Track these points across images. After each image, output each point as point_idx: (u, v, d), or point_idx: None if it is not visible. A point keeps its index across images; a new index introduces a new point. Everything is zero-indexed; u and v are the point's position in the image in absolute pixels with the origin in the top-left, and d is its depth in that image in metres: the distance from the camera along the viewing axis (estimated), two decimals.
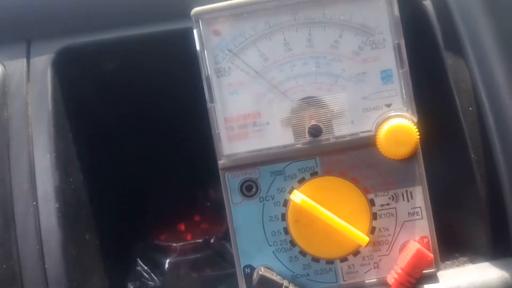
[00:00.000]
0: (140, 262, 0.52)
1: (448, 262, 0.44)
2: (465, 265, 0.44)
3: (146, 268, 0.51)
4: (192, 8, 0.41)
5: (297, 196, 0.41)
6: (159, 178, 0.61)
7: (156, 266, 0.51)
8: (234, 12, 0.41)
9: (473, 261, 0.44)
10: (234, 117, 0.42)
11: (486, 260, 0.43)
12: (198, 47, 0.41)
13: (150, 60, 0.50)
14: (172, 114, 0.55)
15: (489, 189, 0.43)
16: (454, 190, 0.46)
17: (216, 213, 0.54)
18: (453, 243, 0.45)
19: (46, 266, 0.43)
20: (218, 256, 0.51)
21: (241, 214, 0.42)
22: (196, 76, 0.42)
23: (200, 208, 0.58)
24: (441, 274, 0.42)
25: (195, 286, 0.50)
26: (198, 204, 0.59)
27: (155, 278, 0.51)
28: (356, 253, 0.42)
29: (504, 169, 0.43)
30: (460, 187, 0.45)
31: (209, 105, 0.42)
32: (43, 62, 0.46)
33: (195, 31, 0.41)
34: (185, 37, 0.42)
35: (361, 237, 0.40)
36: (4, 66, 0.46)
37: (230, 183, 0.42)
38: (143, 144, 0.57)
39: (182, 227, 0.55)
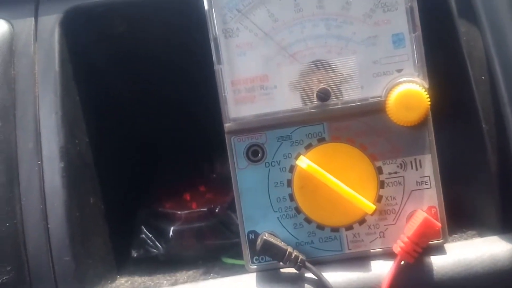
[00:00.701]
0: (145, 230, 0.51)
1: (456, 235, 0.43)
2: (473, 238, 0.43)
3: (150, 235, 0.51)
4: None
5: (303, 162, 0.40)
6: (166, 148, 0.60)
7: (160, 234, 0.51)
8: None
9: (481, 234, 0.43)
10: (241, 79, 0.41)
11: (494, 234, 0.42)
12: (206, 6, 0.40)
13: (158, 25, 0.49)
14: (181, 83, 0.55)
15: (500, 161, 0.42)
16: (464, 161, 0.45)
17: (222, 185, 0.53)
18: (461, 216, 0.44)
19: (49, 226, 0.42)
20: (223, 225, 0.50)
21: (246, 179, 0.42)
22: (203, 42, 0.41)
23: (206, 179, 0.58)
24: (448, 246, 0.41)
25: (199, 254, 0.50)
26: (204, 175, 0.58)
27: (159, 245, 0.50)
28: (362, 221, 0.41)
29: None
30: (470, 158, 0.44)
31: (216, 66, 0.41)
32: (51, 22, 0.45)
33: None
34: (193, 1, 0.42)
35: (368, 205, 0.40)
36: (12, 25, 0.46)
37: (236, 148, 0.41)
38: (151, 112, 0.57)
39: (187, 196, 0.54)
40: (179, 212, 0.51)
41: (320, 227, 0.41)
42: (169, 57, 0.53)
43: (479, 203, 0.44)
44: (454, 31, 0.45)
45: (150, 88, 0.55)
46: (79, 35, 0.47)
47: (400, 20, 0.40)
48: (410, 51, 0.40)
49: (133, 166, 0.56)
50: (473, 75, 0.43)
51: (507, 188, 0.42)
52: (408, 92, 0.39)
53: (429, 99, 0.39)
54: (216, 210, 0.51)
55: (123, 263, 0.49)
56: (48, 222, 0.42)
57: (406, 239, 0.39)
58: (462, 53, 0.44)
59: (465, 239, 0.43)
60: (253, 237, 0.42)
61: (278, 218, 0.42)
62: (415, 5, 0.40)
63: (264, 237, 0.41)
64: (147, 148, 0.60)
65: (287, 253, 0.40)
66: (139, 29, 0.50)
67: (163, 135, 0.61)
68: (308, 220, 0.42)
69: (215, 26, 0.41)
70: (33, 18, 0.46)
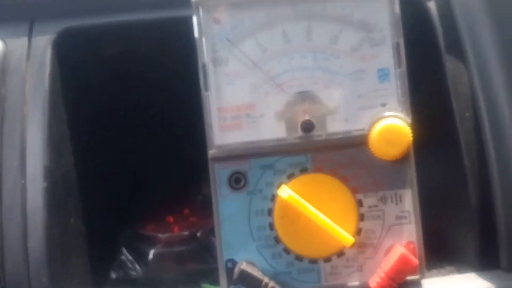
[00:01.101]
0: (125, 251, 0.51)
1: (434, 270, 0.43)
2: (451, 274, 0.43)
3: (130, 257, 0.51)
4: None
5: (285, 191, 0.40)
6: (153, 169, 0.61)
7: (140, 256, 0.51)
8: (235, 1, 0.41)
9: (460, 271, 0.43)
10: (228, 107, 0.41)
11: (473, 271, 0.42)
12: (196, 34, 0.41)
13: (150, 47, 0.50)
14: (169, 104, 0.55)
15: (481, 198, 0.42)
16: (445, 196, 0.46)
17: (206, 207, 0.53)
18: (441, 250, 0.44)
19: (28, 245, 0.42)
20: (204, 250, 0.50)
21: (227, 206, 0.42)
22: (193, 66, 0.41)
23: (191, 201, 0.58)
24: (425, 282, 0.41)
25: (179, 278, 0.50)
26: (189, 197, 0.58)
27: (139, 268, 0.50)
28: (340, 254, 0.41)
29: (497, 179, 0.42)
30: (452, 193, 0.45)
31: (203, 93, 0.41)
32: (44, 42, 0.46)
33: (194, 18, 0.41)
34: (185, 25, 0.42)
35: (346, 237, 0.40)
36: (5, 43, 0.47)
37: (218, 174, 0.42)
38: (138, 132, 0.57)
39: (171, 219, 0.55)
40: (160, 235, 0.51)
41: (299, 258, 0.41)
42: (160, 79, 0.53)
43: (459, 238, 0.44)
44: (440, 67, 0.45)
45: (139, 109, 0.55)
46: (71, 56, 0.47)
47: (386, 55, 0.41)
48: (395, 86, 0.41)
49: (118, 187, 0.56)
50: (458, 111, 0.44)
51: (487, 225, 0.42)
52: (391, 127, 0.39)
53: (411, 135, 0.40)
54: (198, 235, 0.52)
55: (101, 285, 0.49)
56: (28, 242, 0.42)
57: (383, 274, 0.39)
58: (448, 88, 0.45)
59: (443, 274, 0.43)
60: (231, 265, 0.41)
61: (257, 247, 0.42)
62: (401, 42, 0.40)
63: (241, 267, 0.40)
64: (133, 169, 0.60)
65: (263, 283, 0.40)
66: (131, 51, 0.50)
67: (151, 156, 0.61)
68: (287, 251, 0.41)
69: (205, 54, 0.41)
70: (26, 38, 0.46)
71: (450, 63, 0.45)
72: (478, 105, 0.43)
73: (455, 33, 0.45)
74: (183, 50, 0.44)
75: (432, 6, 0.47)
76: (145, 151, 0.59)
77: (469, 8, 0.46)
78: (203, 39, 0.41)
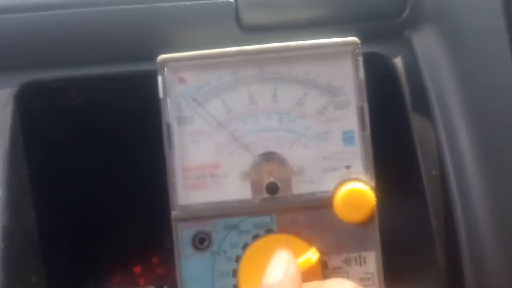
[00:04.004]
0: None
1: None
2: None
3: None
4: (160, 52, 0.41)
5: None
6: (121, 217, 0.60)
7: None
8: (201, 62, 0.41)
9: None
10: (192, 166, 0.41)
11: None
12: (161, 94, 0.41)
13: (113, 100, 0.50)
14: (134, 154, 0.55)
15: (448, 258, 0.42)
16: (412, 256, 0.46)
17: None
18: None
19: None
20: None
21: (191, 267, 0.41)
22: (158, 120, 0.41)
23: (162, 248, 0.57)
24: None
25: None
26: (161, 243, 0.57)
27: None
28: None
29: (464, 239, 0.42)
30: (419, 253, 0.45)
31: (167, 152, 0.41)
32: (5, 96, 0.45)
33: (159, 78, 0.41)
34: (150, 79, 0.42)
35: None
36: None
37: (182, 235, 0.41)
38: (103, 182, 0.56)
39: (138, 269, 0.54)
40: None
41: None
42: (122, 130, 0.53)
43: None
44: (407, 125, 0.46)
45: (104, 161, 0.54)
46: (33, 109, 0.47)
47: (351, 118, 0.41)
48: (359, 149, 0.41)
49: (83, 238, 0.55)
50: (424, 170, 0.44)
51: (455, 286, 0.42)
52: (355, 191, 0.40)
53: (375, 199, 0.40)
54: None
55: None
56: None
57: None
58: (415, 147, 0.45)
59: None
60: None
61: None
62: (366, 106, 0.41)
63: None
64: (101, 215, 0.59)
65: None
66: (93, 103, 0.50)
67: (121, 200, 0.60)
68: None
69: (169, 113, 0.41)
70: None
71: (416, 121, 0.45)
72: (445, 164, 0.44)
73: (421, 91, 0.46)
74: (147, 103, 0.44)
75: (398, 62, 0.47)
76: (114, 197, 0.58)
77: (435, 66, 0.46)
78: (168, 99, 0.41)
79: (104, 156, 0.54)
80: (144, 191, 0.57)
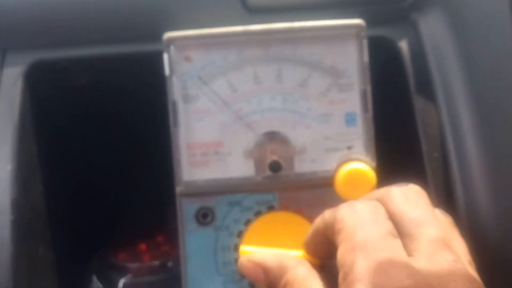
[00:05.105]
0: (96, 279, 0.51)
1: None
2: None
3: (101, 286, 0.51)
4: (165, 32, 0.41)
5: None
6: (129, 192, 0.60)
7: (111, 286, 0.51)
8: (207, 41, 0.41)
9: None
10: (197, 144, 0.42)
11: None
12: (167, 72, 0.41)
13: (120, 80, 0.50)
14: (141, 133, 0.55)
15: None
16: None
17: None
18: None
19: None
20: (174, 281, 0.51)
21: (194, 241, 0.42)
22: (164, 99, 0.42)
23: (167, 227, 0.58)
24: None
25: None
26: (165, 223, 0.58)
27: None
28: None
29: (465, 221, 0.42)
30: None
31: (172, 129, 0.42)
32: (15, 73, 0.46)
33: (165, 56, 0.41)
34: (157, 58, 0.43)
35: None
36: None
37: (185, 209, 0.42)
38: (110, 160, 0.57)
39: (143, 246, 0.55)
40: (129, 265, 0.51)
41: None
42: (130, 112, 0.53)
43: None
44: (410, 107, 0.46)
45: (111, 140, 0.55)
46: (41, 87, 0.47)
47: (354, 100, 0.41)
48: (361, 131, 0.41)
49: (90, 214, 0.56)
50: (426, 152, 0.45)
51: None
52: (356, 171, 0.40)
53: (375, 179, 0.40)
54: (169, 265, 0.52)
55: None
56: None
57: None
58: (417, 128, 0.45)
59: None
60: None
61: (223, 282, 0.42)
62: (369, 88, 0.41)
63: None
64: (108, 194, 0.60)
65: None
66: (101, 83, 0.51)
67: (127, 180, 0.61)
68: (252, 286, 0.42)
69: (175, 91, 0.42)
70: None
71: (420, 104, 0.46)
72: (446, 147, 0.44)
73: (425, 74, 0.46)
74: (154, 82, 0.45)
75: (404, 45, 0.47)
76: (120, 176, 0.59)
77: (440, 49, 0.46)
78: (174, 77, 0.42)
79: (111, 135, 0.55)
80: (151, 170, 0.58)
